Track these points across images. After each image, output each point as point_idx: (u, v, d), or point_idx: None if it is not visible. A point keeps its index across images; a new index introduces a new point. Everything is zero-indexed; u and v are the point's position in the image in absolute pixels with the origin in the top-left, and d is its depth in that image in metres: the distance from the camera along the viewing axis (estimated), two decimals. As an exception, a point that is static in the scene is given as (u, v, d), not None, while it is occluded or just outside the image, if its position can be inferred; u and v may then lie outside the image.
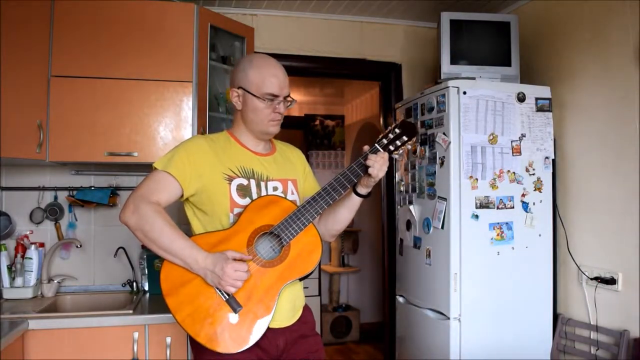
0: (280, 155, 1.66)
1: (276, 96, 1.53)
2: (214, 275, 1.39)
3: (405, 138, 1.49)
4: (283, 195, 1.56)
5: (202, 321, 1.42)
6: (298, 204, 1.56)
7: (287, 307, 1.53)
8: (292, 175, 1.64)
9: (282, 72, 1.56)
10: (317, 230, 1.53)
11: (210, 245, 1.45)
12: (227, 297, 1.43)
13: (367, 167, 1.48)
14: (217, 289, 1.43)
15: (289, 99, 1.57)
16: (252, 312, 1.44)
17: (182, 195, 1.50)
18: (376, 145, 1.50)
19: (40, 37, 2.16)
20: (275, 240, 1.48)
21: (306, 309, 1.64)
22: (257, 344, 1.46)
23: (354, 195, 1.57)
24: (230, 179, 1.51)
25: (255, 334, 1.44)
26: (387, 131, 1.50)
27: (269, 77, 1.52)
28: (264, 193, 1.54)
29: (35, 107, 2.15)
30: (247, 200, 1.51)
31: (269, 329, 1.46)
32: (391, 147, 1.50)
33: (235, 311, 1.42)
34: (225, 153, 1.55)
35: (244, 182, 1.52)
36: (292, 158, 1.70)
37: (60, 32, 2.19)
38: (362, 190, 1.56)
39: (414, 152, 2.66)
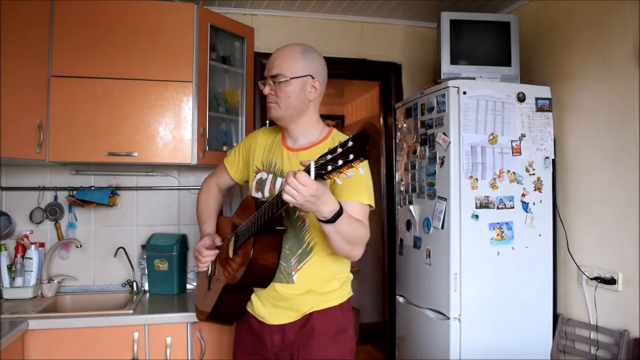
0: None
1: (264, 78, 1.55)
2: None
3: (351, 157, 1.08)
4: None
5: (199, 286, 1.90)
6: None
7: (268, 304, 1.57)
8: None
9: (275, 54, 1.55)
10: (251, 249, 1.41)
11: (221, 226, 1.79)
12: (209, 274, 1.75)
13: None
14: (211, 266, 1.74)
15: (275, 78, 1.50)
16: (211, 294, 1.70)
17: (235, 183, 1.82)
18: (311, 162, 1.15)
19: (40, 37, 2.16)
20: (235, 240, 1.60)
21: (322, 315, 1.53)
22: (256, 335, 1.59)
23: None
24: (257, 172, 1.66)
25: (203, 314, 1.73)
26: (329, 150, 1.13)
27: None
28: (277, 188, 1.58)
29: (35, 107, 2.15)
30: (259, 194, 1.63)
31: (262, 323, 1.58)
32: (329, 167, 1.11)
33: (208, 288, 1.74)
34: (268, 147, 1.67)
35: (264, 175, 1.63)
36: None
37: (60, 32, 2.19)
38: (316, 215, 1.30)
39: (414, 152, 2.66)
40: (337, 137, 1.56)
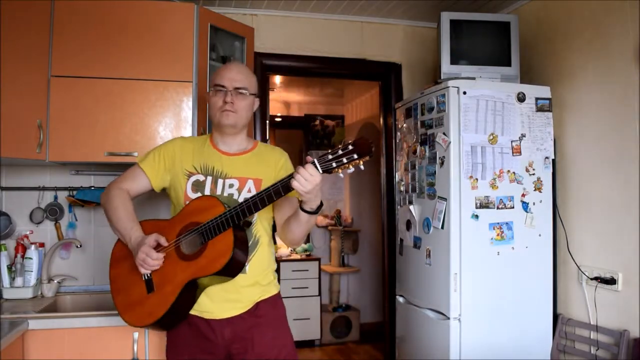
0: (255, 156, 1.75)
1: (223, 86, 1.66)
2: (135, 254, 1.60)
3: (355, 156, 1.36)
4: (237, 194, 1.66)
5: (123, 292, 1.70)
6: None
7: (218, 299, 1.63)
8: (259, 175, 1.71)
9: (236, 68, 1.70)
10: (232, 237, 1.54)
11: (155, 228, 1.65)
12: (146, 277, 1.63)
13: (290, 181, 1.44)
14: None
15: (242, 91, 1.67)
16: (158, 297, 1.61)
17: (152, 189, 1.73)
18: (316, 160, 1.41)
19: (40, 37, 2.15)
20: (197, 238, 1.59)
21: (267, 303, 1.70)
22: (201, 333, 1.62)
23: (300, 210, 1.56)
24: (189, 175, 1.68)
25: (152, 317, 1.61)
26: (335, 148, 1.40)
27: (221, 73, 1.69)
28: (219, 189, 1.66)
29: (35, 107, 2.14)
30: (197, 195, 1.65)
31: (209, 320, 1.62)
32: (334, 164, 1.38)
33: (148, 291, 1.63)
34: (196, 153, 1.72)
35: (201, 178, 1.67)
36: (268, 159, 1.76)
37: (60, 32, 2.19)
38: (306, 206, 1.53)
39: (414, 152, 2.66)
40: (264, 147, 1.81)
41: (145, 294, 1.63)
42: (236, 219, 1.53)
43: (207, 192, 1.65)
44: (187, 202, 1.65)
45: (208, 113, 1.70)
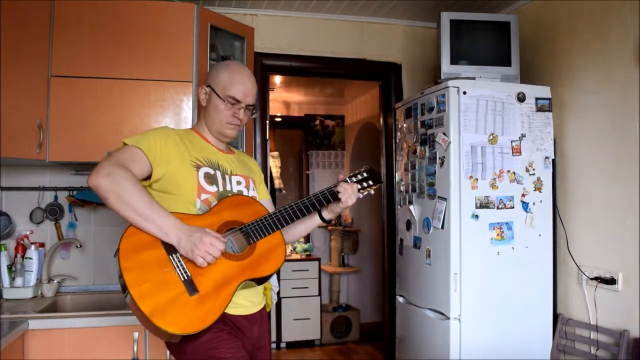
0: (238, 158, 1.75)
1: (238, 101, 1.61)
2: (189, 241, 1.37)
3: (371, 182, 1.68)
4: (247, 191, 1.64)
5: (153, 290, 1.36)
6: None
7: (247, 297, 1.58)
8: (251, 175, 1.72)
9: (250, 82, 1.64)
10: (282, 238, 1.58)
11: (188, 222, 1.43)
12: (185, 277, 1.39)
13: (337, 193, 1.62)
14: (179, 267, 1.40)
15: (251, 108, 1.65)
16: (207, 299, 1.40)
17: (148, 177, 1.50)
18: (347, 179, 1.67)
19: (40, 37, 2.16)
20: (243, 237, 1.51)
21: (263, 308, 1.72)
22: (240, 331, 1.54)
23: (316, 216, 1.70)
24: (198, 167, 1.55)
25: (203, 323, 1.38)
26: (356, 172, 1.69)
27: (236, 83, 1.60)
28: (228, 185, 1.60)
29: (35, 107, 2.15)
30: (213, 188, 1.55)
31: (243, 316, 1.55)
32: (359, 186, 1.66)
33: (190, 294, 1.38)
34: (192, 144, 1.60)
35: (211, 171, 1.58)
36: (247, 162, 1.79)
37: (60, 32, 2.19)
38: (327, 215, 1.69)
39: (414, 152, 2.66)
40: (237, 151, 1.79)
41: (187, 296, 1.38)
42: (283, 222, 1.55)
43: (220, 186, 1.58)
44: (207, 195, 1.52)
45: (207, 111, 1.64)
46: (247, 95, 1.62)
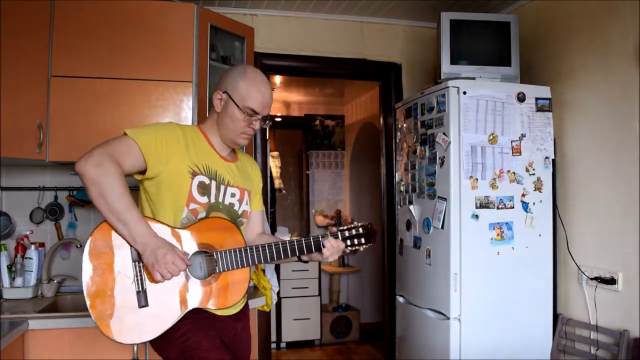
0: (241, 165, 1.70)
1: (256, 113, 1.58)
2: (152, 255, 1.37)
3: (363, 240, 1.59)
4: (238, 205, 1.62)
5: (103, 295, 1.40)
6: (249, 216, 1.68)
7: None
8: (249, 186, 1.69)
9: (269, 93, 1.61)
10: (249, 276, 1.55)
11: (160, 232, 1.44)
12: (139, 289, 1.40)
13: (322, 246, 1.54)
14: (137, 276, 1.41)
15: (265, 118, 1.62)
16: (154, 315, 1.41)
17: (141, 172, 1.49)
18: (339, 233, 1.58)
19: (40, 37, 2.15)
20: (209, 263, 1.48)
21: (246, 306, 1.73)
22: (220, 320, 1.54)
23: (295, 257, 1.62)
24: (194, 174, 1.52)
25: (142, 337, 1.43)
26: (352, 226, 1.59)
27: (255, 93, 1.57)
28: (221, 197, 1.57)
29: (35, 107, 2.14)
30: (205, 199, 1.53)
31: (226, 316, 1.56)
32: (348, 242, 1.58)
33: (138, 305, 1.40)
34: (194, 147, 1.56)
35: (206, 180, 1.54)
36: (250, 171, 1.75)
37: (60, 32, 2.19)
38: (305, 257, 1.60)
39: (414, 152, 2.66)
40: (243, 157, 1.76)
41: (135, 307, 1.40)
42: (257, 260, 1.51)
43: (212, 197, 1.55)
44: (195, 206, 1.51)
45: (222, 119, 1.59)
46: (265, 107, 1.60)
